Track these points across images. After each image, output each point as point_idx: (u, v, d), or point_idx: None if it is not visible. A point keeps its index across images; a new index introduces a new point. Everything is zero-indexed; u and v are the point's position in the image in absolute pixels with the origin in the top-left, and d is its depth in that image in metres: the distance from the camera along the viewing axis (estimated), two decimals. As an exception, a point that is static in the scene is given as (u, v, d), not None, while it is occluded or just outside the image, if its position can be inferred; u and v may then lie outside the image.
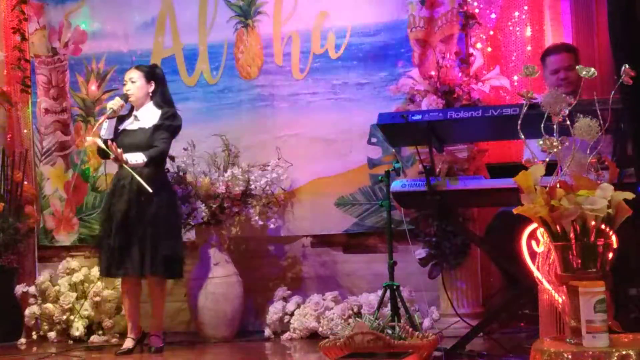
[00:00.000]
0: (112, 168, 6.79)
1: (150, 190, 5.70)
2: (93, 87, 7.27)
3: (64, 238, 7.28)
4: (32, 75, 7.41)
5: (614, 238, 3.28)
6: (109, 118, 5.95)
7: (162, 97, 6.09)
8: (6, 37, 7.39)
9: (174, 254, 5.93)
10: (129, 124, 6.04)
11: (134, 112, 6.06)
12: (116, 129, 6.00)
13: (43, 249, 7.34)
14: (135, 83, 6.03)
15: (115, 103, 5.97)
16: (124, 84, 6.10)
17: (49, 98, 7.37)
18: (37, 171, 7.38)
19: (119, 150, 5.72)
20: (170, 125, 5.98)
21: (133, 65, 6.34)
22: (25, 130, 7.41)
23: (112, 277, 6.09)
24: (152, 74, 6.10)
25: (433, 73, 5.92)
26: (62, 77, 7.35)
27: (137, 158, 5.79)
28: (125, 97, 6.01)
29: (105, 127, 5.96)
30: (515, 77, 6.11)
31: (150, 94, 6.07)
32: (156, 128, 5.95)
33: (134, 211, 5.82)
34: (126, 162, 5.73)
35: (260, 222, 6.45)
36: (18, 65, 7.32)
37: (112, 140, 5.89)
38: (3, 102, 7.34)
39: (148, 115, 6.01)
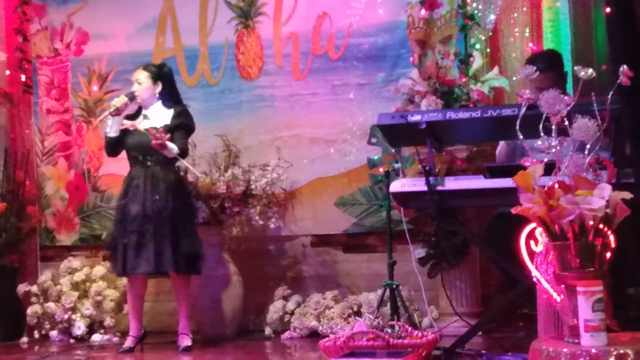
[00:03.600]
0: (113, 168, 6.85)
1: (198, 174, 5.93)
2: (95, 87, 7.29)
3: (65, 238, 7.30)
4: (34, 76, 7.43)
5: (612, 238, 3.30)
6: (112, 115, 5.94)
7: (170, 97, 6.08)
8: (8, 38, 7.39)
9: (194, 250, 5.97)
10: (139, 124, 6.00)
11: (143, 112, 6.06)
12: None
13: (45, 249, 7.35)
14: (142, 84, 6.02)
15: (119, 101, 5.95)
16: (132, 84, 6.10)
17: (50, 98, 7.39)
18: (38, 171, 7.40)
19: (166, 136, 5.77)
20: (187, 125, 6.02)
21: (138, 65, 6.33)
22: (27, 131, 7.43)
23: (129, 275, 5.99)
24: (159, 74, 6.07)
25: (432, 73, 5.94)
26: (63, 77, 7.37)
27: (172, 147, 5.84)
28: (131, 96, 6.00)
29: (110, 124, 5.96)
30: (514, 78, 6.12)
31: (158, 95, 6.06)
32: (174, 128, 5.93)
33: (149, 210, 5.84)
34: (165, 146, 5.77)
35: (261, 222, 6.47)
36: (20, 66, 7.34)
37: (119, 138, 5.97)
38: (5, 103, 7.36)
39: (158, 115, 6.01)
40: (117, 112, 5.94)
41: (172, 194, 5.90)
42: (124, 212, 5.92)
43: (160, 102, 6.06)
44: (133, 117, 6.08)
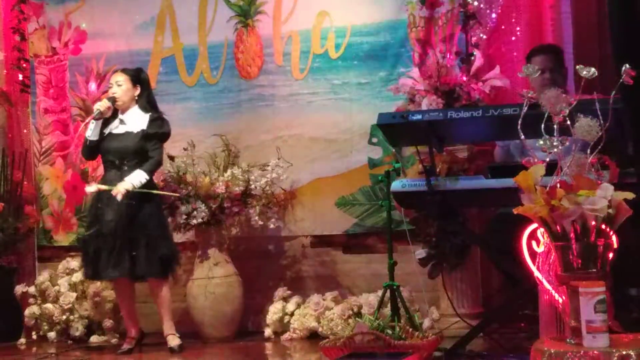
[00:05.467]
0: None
1: (176, 194, 6.10)
2: (93, 87, 7.27)
3: (63, 238, 7.27)
4: (31, 75, 7.40)
5: (614, 238, 3.28)
6: (95, 119, 5.96)
7: (148, 101, 6.10)
8: (6, 37, 7.38)
9: (171, 253, 5.99)
10: (115, 128, 6.04)
11: (120, 116, 6.06)
12: (101, 132, 6.01)
13: (43, 249, 7.33)
14: (121, 86, 6.03)
15: (102, 104, 5.98)
16: (110, 87, 6.11)
17: (48, 98, 7.36)
18: (35, 171, 7.38)
19: (121, 189, 5.80)
20: (161, 133, 6.03)
21: (136, 65, 6.33)
22: (24, 130, 7.41)
23: (100, 280, 6.13)
24: (137, 77, 6.10)
25: (433, 73, 5.91)
26: (61, 76, 7.35)
27: (139, 178, 5.86)
28: (113, 100, 6.01)
29: (92, 129, 5.98)
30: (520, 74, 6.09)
31: (136, 98, 6.06)
32: (147, 136, 5.97)
33: (123, 215, 5.84)
34: (134, 188, 5.82)
35: (260, 222, 6.44)
36: (17, 65, 7.32)
37: (97, 141, 6.00)
38: (3, 102, 7.34)
39: (135, 119, 6.03)
40: (100, 115, 5.97)
41: (147, 198, 5.91)
42: (98, 217, 5.93)
43: (137, 106, 6.07)
44: (108, 120, 6.07)
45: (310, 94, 6.73)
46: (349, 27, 6.62)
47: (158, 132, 6.00)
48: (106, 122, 6.06)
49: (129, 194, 5.79)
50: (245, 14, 6.90)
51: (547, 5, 6.20)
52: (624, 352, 2.96)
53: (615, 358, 2.96)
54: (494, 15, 6.09)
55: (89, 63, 7.30)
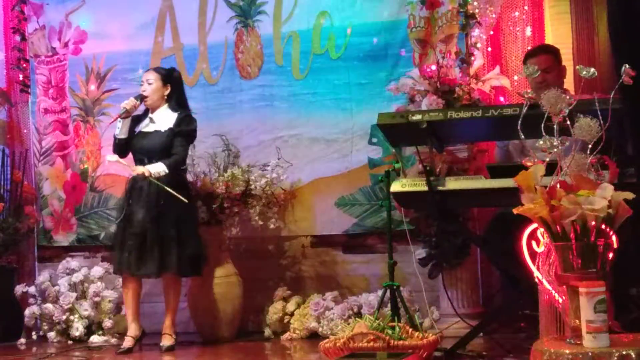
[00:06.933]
0: (111, 168, 6.83)
1: (185, 200, 5.86)
2: (93, 87, 7.27)
3: (62, 238, 7.28)
4: (31, 75, 7.41)
5: (614, 238, 3.28)
6: (121, 118, 6.01)
7: (178, 101, 6.15)
8: (6, 37, 7.40)
9: (199, 252, 6.07)
10: (145, 126, 6.11)
11: (150, 115, 6.11)
12: (132, 130, 6.06)
13: (43, 249, 7.34)
14: (151, 85, 6.08)
15: (128, 103, 6.02)
16: (141, 85, 6.16)
17: (48, 98, 7.37)
18: (35, 171, 7.38)
19: (138, 171, 5.88)
20: (186, 130, 6.08)
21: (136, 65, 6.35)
22: (24, 130, 7.41)
23: (131, 275, 5.99)
24: (168, 77, 6.15)
25: (433, 70, 5.91)
26: (61, 76, 7.35)
27: (158, 169, 5.90)
28: (140, 97, 6.06)
29: (119, 127, 6.04)
30: (516, 77, 6.10)
31: (166, 97, 6.11)
32: (174, 134, 6.03)
33: (154, 212, 5.86)
34: (150, 175, 5.85)
35: (260, 222, 6.44)
36: (18, 65, 7.32)
37: (127, 140, 6.05)
38: (3, 102, 7.34)
39: (164, 118, 6.08)
40: (126, 114, 6.03)
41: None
42: (127, 215, 5.94)
43: (166, 105, 6.11)
44: (139, 118, 6.11)
45: (310, 94, 6.73)
46: (349, 27, 6.62)
47: (184, 129, 6.06)
48: (138, 120, 6.12)
49: (156, 188, 5.85)
50: (245, 14, 6.91)
51: (546, 5, 6.21)
52: (624, 352, 2.95)
53: (615, 358, 2.95)
54: (493, 16, 6.09)
55: (89, 63, 7.30)
